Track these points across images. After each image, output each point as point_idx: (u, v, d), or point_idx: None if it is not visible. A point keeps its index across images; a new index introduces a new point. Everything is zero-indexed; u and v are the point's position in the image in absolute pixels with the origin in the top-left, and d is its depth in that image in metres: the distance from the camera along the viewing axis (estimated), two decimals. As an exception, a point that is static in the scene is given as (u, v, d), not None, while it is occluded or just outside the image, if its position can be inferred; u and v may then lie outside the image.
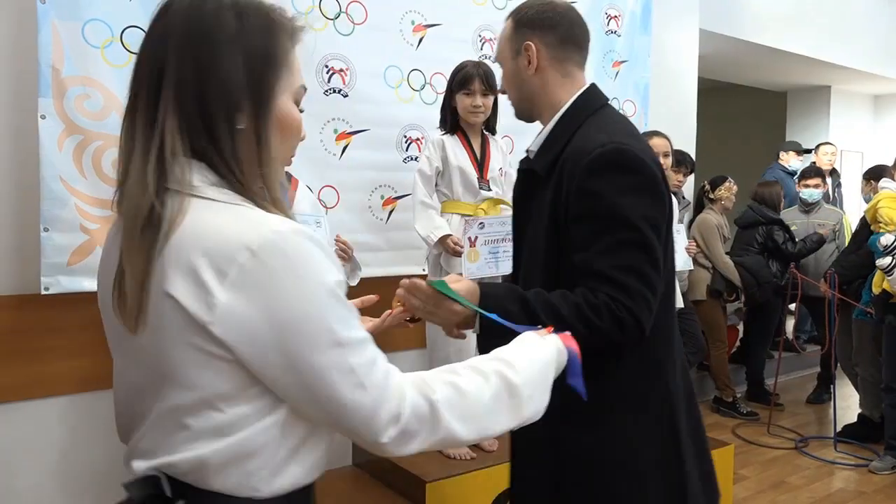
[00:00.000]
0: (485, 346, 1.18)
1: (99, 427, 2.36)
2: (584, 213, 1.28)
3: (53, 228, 2.20)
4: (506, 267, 2.37)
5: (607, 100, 1.46)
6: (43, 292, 2.20)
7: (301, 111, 0.96)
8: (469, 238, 2.34)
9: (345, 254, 2.37)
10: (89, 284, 2.23)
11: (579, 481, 1.36)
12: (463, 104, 2.54)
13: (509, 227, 2.57)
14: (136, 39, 2.32)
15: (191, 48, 0.84)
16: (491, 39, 3.19)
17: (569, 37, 1.43)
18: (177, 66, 0.84)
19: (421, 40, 3.00)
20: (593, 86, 1.46)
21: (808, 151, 5.76)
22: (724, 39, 5.21)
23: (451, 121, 2.60)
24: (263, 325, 0.78)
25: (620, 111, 1.69)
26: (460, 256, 2.39)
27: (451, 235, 2.45)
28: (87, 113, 2.24)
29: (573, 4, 1.50)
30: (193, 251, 0.79)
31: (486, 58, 3.12)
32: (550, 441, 1.38)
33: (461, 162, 2.55)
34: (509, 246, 2.29)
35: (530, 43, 1.42)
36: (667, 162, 3.20)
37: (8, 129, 2.26)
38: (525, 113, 1.50)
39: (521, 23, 1.44)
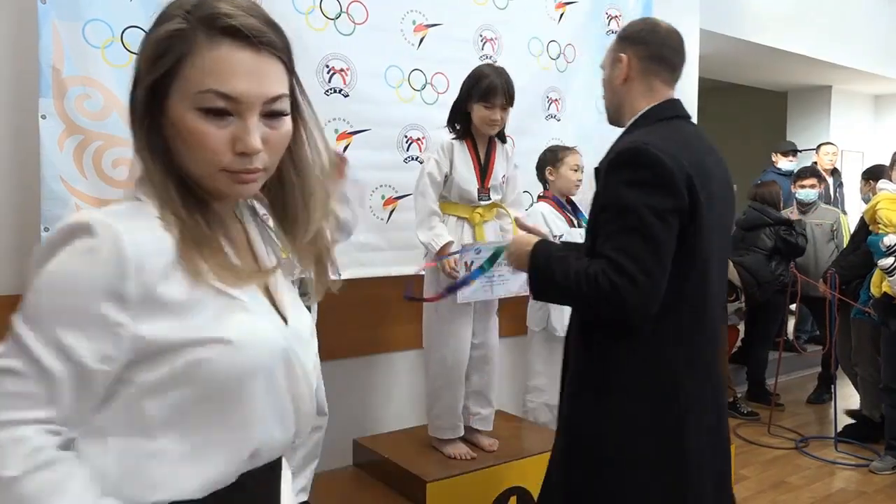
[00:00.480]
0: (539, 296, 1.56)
1: (99, 427, 2.35)
2: (603, 205, 1.44)
3: (54, 228, 2.19)
4: (500, 291, 2.45)
5: (685, 115, 1.57)
6: (43, 292, 2.20)
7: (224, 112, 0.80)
8: (465, 263, 2.35)
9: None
10: (90, 284, 2.23)
11: (582, 453, 1.48)
12: (481, 115, 2.46)
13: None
14: (136, 39, 2.32)
15: None
16: (492, 39, 3.19)
17: (658, 54, 1.57)
18: None
19: (422, 40, 3.00)
20: (672, 100, 1.57)
21: (799, 152, 5.76)
22: (725, 39, 5.21)
23: (462, 126, 2.53)
24: None
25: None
26: (456, 279, 2.39)
27: (451, 243, 2.46)
28: (88, 113, 2.24)
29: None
30: None
31: (487, 57, 3.12)
32: (564, 417, 1.56)
33: (465, 170, 2.52)
34: (504, 270, 2.35)
35: (623, 55, 1.58)
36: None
37: (8, 129, 2.26)
38: (613, 117, 1.66)
39: (621, 36, 1.63)
